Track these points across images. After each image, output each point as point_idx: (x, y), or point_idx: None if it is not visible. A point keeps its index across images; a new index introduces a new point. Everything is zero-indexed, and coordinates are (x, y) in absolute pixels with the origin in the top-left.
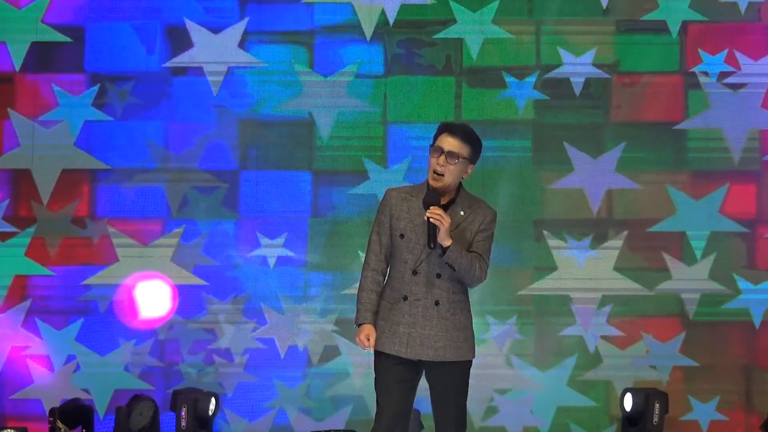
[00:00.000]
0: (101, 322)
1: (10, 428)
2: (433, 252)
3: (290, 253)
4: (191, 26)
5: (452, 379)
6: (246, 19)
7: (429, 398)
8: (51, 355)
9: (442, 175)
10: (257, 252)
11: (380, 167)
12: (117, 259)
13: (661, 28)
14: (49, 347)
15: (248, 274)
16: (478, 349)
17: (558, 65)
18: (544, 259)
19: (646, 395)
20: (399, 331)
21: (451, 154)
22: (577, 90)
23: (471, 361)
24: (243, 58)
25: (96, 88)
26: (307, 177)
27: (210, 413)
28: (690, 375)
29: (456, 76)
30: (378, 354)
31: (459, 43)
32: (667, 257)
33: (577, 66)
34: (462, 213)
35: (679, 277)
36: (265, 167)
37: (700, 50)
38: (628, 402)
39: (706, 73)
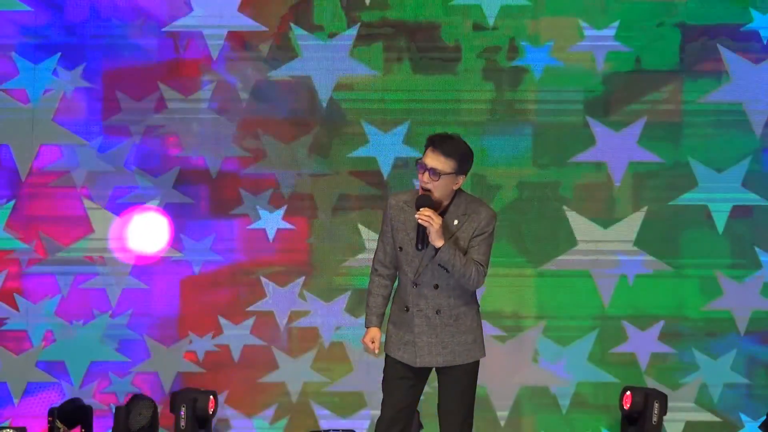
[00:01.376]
0: (78, 293)
1: (9, 428)
2: (430, 263)
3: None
4: None
5: (461, 377)
6: None
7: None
8: (29, 330)
9: (429, 191)
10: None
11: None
12: (92, 230)
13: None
14: (27, 321)
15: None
16: None
17: (580, 38)
18: (564, 234)
19: (645, 394)
20: (405, 339)
21: (433, 172)
22: (600, 64)
23: (479, 361)
24: (242, 21)
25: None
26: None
27: (209, 413)
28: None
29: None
30: (388, 355)
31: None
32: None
33: (599, 39)
34: (456, 222)
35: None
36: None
37: (750, 8)
38: (627, 401)
39: (757, 33)
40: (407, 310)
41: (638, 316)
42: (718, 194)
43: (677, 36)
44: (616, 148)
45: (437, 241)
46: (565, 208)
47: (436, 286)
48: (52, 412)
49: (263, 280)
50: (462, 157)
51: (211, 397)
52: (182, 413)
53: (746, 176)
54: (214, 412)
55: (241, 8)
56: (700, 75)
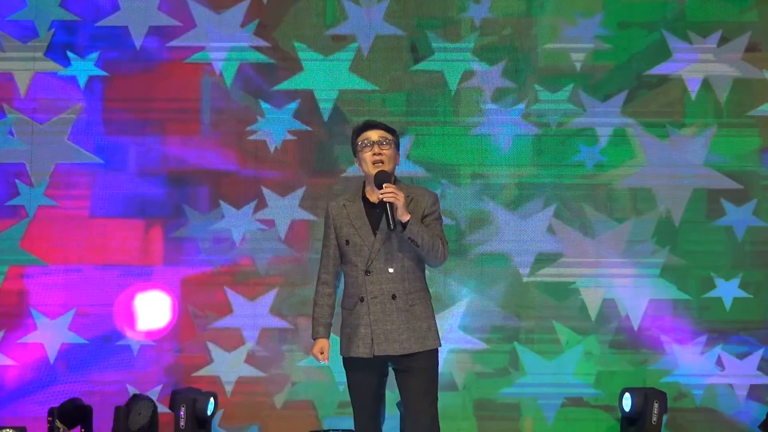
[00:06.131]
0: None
1: (9, 428)
2: (383, 247)
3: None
4: None
5: (421, 369)
6: None
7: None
8: None
9: (383, 162)
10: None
11: None
12: None
13: None
14: None
15: None
16: None
17: None
18: (628, 150)
19: (645, 394)
20: (360, 333)
21: (384, 140)
22: None
23: (437, 350)
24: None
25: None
26: None
27: (209, 413)
28: None
29: None
30: (346, 361)
31: None
32: None
33: None
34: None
35: None
36: None
37: None
38: (627, 401)
39: None
40: (362, 300)
41: None
42: None
43: None
44: (692, 61)
45: (404, 215)
46: (632, 121)
47: (391, 270)
48: (52, 412)
49: None
50: (395, 132)
51: (211, 397)
52: (182, 413)
53: None
54: (214, 412)
55: None
56: None
